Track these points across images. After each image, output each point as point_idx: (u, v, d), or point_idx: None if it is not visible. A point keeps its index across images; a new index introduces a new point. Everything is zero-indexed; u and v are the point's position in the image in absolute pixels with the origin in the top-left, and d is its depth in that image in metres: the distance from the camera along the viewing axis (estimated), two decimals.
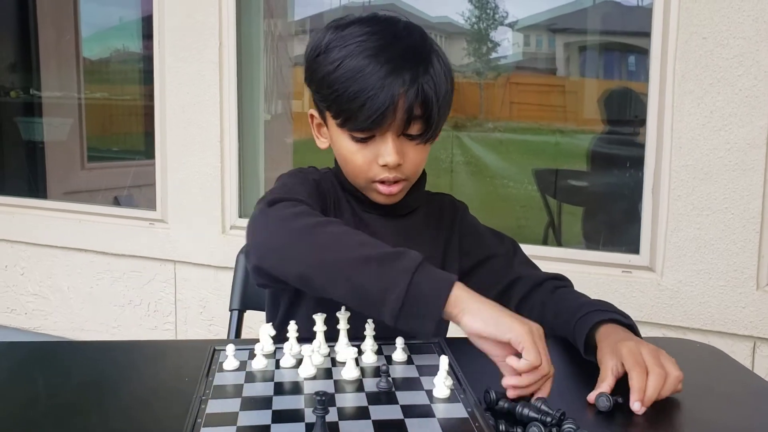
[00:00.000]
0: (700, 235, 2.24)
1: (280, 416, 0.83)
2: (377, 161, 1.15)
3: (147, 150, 3.22)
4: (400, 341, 1.04)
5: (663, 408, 0.94)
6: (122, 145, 4.40)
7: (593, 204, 3.06)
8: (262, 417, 0.83)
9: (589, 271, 2.40)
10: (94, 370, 1.04)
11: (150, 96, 3.03)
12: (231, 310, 1.53)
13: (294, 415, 0.84)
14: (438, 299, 0.93)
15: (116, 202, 3.78)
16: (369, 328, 1.04)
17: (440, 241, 1.29)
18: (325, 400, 0.77)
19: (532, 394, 0.92)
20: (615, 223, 2.82)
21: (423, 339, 1.06)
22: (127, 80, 4.18)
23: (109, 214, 3.19)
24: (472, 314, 0.93)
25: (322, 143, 1.25)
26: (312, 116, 1.25)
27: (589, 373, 1.07)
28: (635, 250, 2.42)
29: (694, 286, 2.28)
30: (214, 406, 0.86)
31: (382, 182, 1.17)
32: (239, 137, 2.91)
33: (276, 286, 1.09)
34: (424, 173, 1.28)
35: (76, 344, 1.17)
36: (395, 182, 1.17)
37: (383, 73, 1.09)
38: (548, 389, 0.93)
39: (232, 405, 0.86)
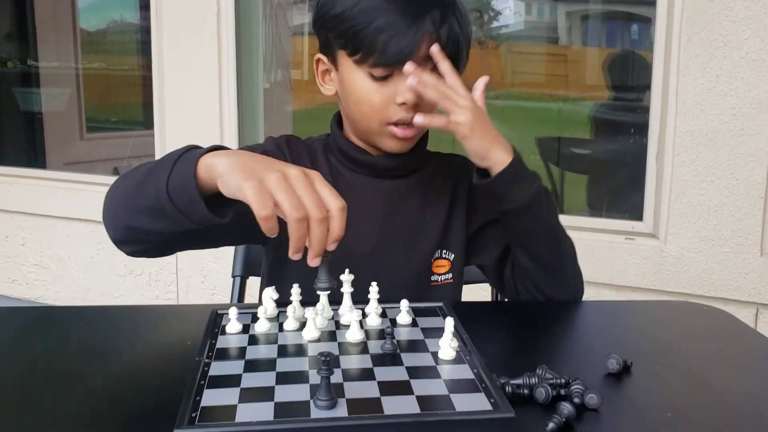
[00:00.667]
0: (704, 202, 2.23)
1: (285, 378, 0.82)
2: (395, 100, 1.12)
3: (146, 121, 3.19)
4: (404, 304, 1.02)
5: (670, 371, 0.93)
6: (121, 116, 4.37)
7: (597, 171, 3.04)
8: (266, 378, 0.82)
9: (592, 238, 2.39)
10: (95, 334, 1.03)
11: (148, 66, 3.00)
12: (233, 276, 1.52)
13: (298, 377, 0.83)
14: (188, 177, 0.90)
15: (116, 172, 3.77)
16: (373, 291, 1.03)
17: (444, 203, 1.27)
18: (329, 361, 0.76)
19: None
20: (618, 190, 2.81)
21: (221, 223, 0.93)
22: (125, 51, 4.14)
23: (108, 183, 3.16)
24: (220, 179, 0.88)
25: (327, 90, 1.23)
26: (318, 61, 1.22)
27: (597, 338, 1.06)
28: (639, 216, 2.41)
29: (697, 253, 2.27)
30: (217, 369, 0.84)
31: (397, 125, 1.14)
32: (238, 106, 2.88)
33: (140, 248, 1.06)
34: (426, 133, 1.26)
35: (77, 309, 1.16)
36: (411, 126, 1.14)
37: (413, 9, 1.08)
38: (337, 231, 0.85)
39: (235, 367, 0.85)
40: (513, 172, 1.12)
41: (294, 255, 0.84)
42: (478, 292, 1.54)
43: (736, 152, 2.16)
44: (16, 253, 3.40)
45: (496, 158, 1.12)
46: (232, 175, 0.86)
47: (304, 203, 0.83)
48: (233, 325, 0.96)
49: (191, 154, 0.93)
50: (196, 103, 2.89)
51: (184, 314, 1.12)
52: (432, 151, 1.31)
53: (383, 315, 1.03)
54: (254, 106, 3.02)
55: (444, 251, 1.26)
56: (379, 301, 1.03)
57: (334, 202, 0.85)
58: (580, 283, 1.23)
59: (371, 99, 1.14)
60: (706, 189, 2.22)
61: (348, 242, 1.20)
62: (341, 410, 0.75)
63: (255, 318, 0.99)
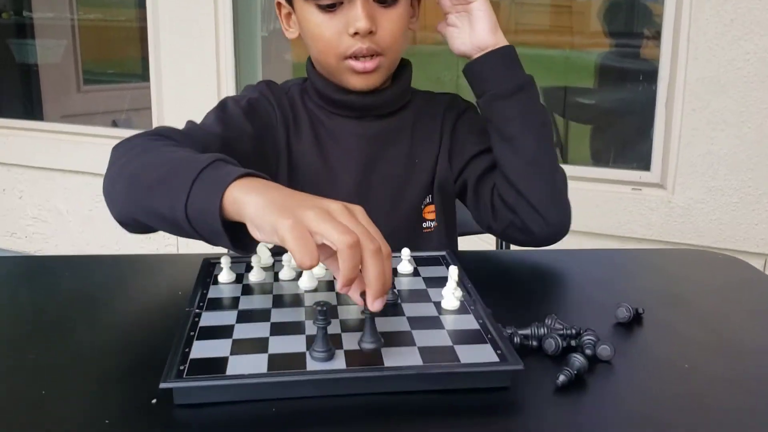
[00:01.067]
0: (713, 150, 2.18)
1: (279, 329, 0.78)
2: (347, 31, 1.07)
3: (144, 73, 3.14)
4: (405, 253, 0.98)
5: (685, 321, 0.89)
6: (119, 68, 4.30)
7: (603, 121, 2.97)
8: (260, 329, 0.78)
9: (597, 189, 2.34)
10: (84, 284, 0.99)
11: (145, 18, 2.93)
12: None
13: (294, 328, 0.78)
14: (212, 208, 0.76)
15: (114, 125, 3.72)
16: None
17: (433, 143, 1.21)
18: (326, 311, 0.71)
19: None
20: (626, 139, 2.74)
21: (245, 254, 0.85)
22: (122, 2, 4.05)
23: (106, 135, 3.13)
24: (250, 223, 0.74)
25: (291, 33, 1.19)
26: (279, 5, 1.18)
27: (606, 287, 1.02)
28: (646, 166, 2.36)
29: (705, 204, 2.22)
30: (208, 319, 0.80)
31: (356, 58, 1.09)
32: (235, 55, 2.82)
33: (145, 232, 0.95)
34: (409, 68, 1.20)
35: (66, 259, 1.11)
36: (371, 58, 1.09)
37: None
38: (387, 282, 0.71)
39: (227, 318, 0.81)
40: (514, 52, 1.12)
41: (343, 288, 0.71)
42: (479, 243, 1.50)
43: (748, 99, 2.10)
44: (13, 206, 3.37)
45: (500, 35, 1.12)
46: (265, 216, 0.72)
47: (354, 231, 0.70)
48: (226, 275, 0.92)
49: (214, 174, 0.80)
50: (192, 53, 2.82)
51: (177, 264, 1.08)
52: (419, 89, 1.25)
53: None
54: (252, 55, 2.96)
55: (435, 195, 1.21)
56: None
57: (384, 245, 0.72)
58: (568, 207, 1.12)
59: (323, 33, 1.09)
60: (717, 137, 2.16)
61: (330, 192, 1.16)
62: (339, 362, 0.71)
63: (249, 267, 0.94)
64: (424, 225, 1.20)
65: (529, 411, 0.69)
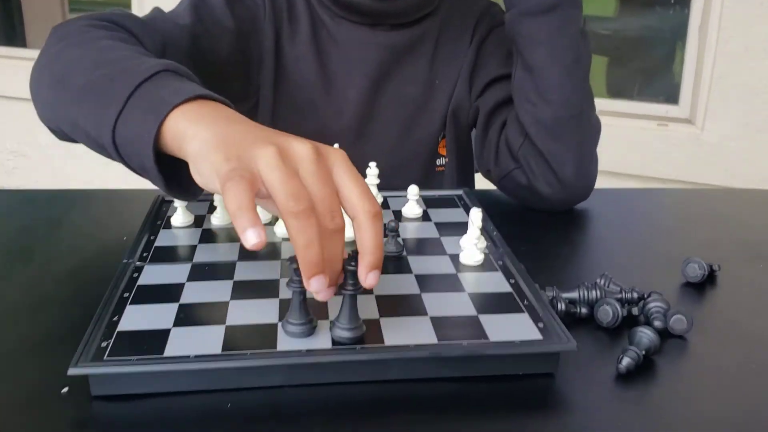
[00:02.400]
0: (751, 82, 1.98)
1: (244, 289, 0.59)
2: None
3: None
4: (413, 191, 0.78)
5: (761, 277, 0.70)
6: None
7: (627, 50, 2.74)
8: (218, 290, 0.58)
9: (619, 124, 2.14)
10: (7, 226, 0.79)
11: None
12: None
13: (264, 289, 0.59)
14: (146, 138, 0.58)
15: None
16: (371, 175, 0.78)
17: (459, 60, 1.00)
18: None
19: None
20: (651, 70, 2.52)
21: (184, 199, 0.65)
22: None
23: None
24: (192, 160, 0.55)
25: None
26: None
27: (667, 236, 0.82)
28: (674, 100, 2.16)
29: (739, 141, 2.03)
30: (150, 275, 0.61)
31: None
32: None
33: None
34: None
35: None
36: None
37: None
38: (373, 254, 0.50)
39: (176, 273, 0.61)
40: None
41: (316, 284, 0.48)
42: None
43: None
44: None
45: None
46: (208, 155, 0.52)
47: (311, 193, 0.49)
48: (181, 216, 0.72)
49: (156, 92, 0.60)
50: None
51: (132, 201, 0.88)
52: None
53: (384, 205, 0.79)
54: None
55: (448, 124, 1.01)
56: (380, 187, 0.79)
57: (364, 203, 0.50)
58: (593, 167, 0.89)
59: None
60: (756, 67, 1.96)
61: (330, 114, 0.97)
62: (322, 339, 0.52)
63: (212, 207, 0.74)
64: (438, 162, 1.00)
65: (583, 405, 0.50)
